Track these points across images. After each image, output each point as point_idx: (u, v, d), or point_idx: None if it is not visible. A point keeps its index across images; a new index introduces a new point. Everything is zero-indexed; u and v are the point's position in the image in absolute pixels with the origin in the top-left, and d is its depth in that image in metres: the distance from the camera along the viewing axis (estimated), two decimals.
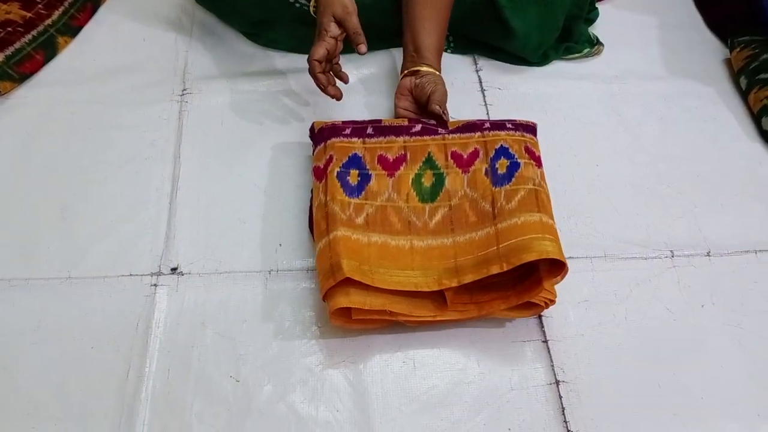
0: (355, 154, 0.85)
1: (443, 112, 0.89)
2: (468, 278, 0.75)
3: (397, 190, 0.83)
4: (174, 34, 1.13)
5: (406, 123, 0.88)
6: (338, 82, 0.92)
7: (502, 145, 0.84)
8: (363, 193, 0.82)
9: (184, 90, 1.04)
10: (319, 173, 0.84)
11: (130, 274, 0.83)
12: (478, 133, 0.86)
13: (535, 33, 1.07)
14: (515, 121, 0.88)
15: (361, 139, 0.86)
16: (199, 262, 0.85)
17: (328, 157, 0.84)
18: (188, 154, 0.96)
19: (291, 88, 1.05)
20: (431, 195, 0.83)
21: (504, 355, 0.78)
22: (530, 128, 0.88)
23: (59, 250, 0.85)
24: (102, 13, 1.16)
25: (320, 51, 0.86)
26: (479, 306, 0.77)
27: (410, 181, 0.84)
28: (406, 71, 0.94)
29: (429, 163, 0.85)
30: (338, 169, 0.83)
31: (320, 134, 0.87)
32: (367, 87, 1.06)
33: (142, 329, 0.79)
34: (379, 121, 0.89)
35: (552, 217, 0.78)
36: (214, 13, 1.13)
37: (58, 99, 1.02)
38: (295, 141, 0.98)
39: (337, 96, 0.91)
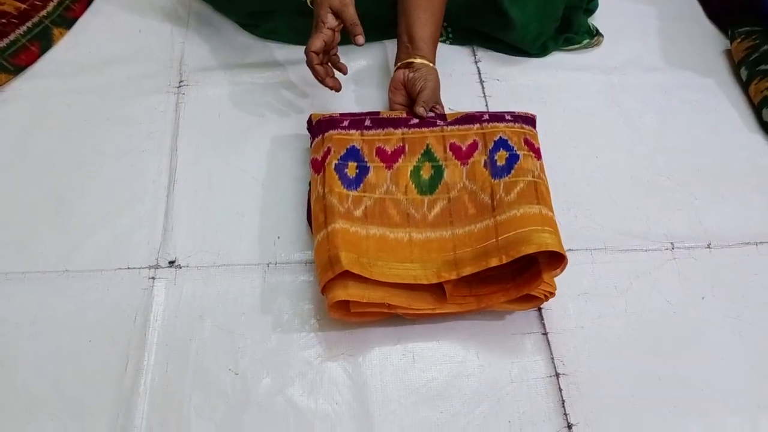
0: (353, 146, 0.84)
1: (433, 107, 0.88)
2: (467, 271, 0.74)
3: (395, 183, 0.82)
4: (170, 26, 1.12)
5: (404, 115, 0.88)
6: (337, 74, 0.92)
7: (501, 137, 0.84)
8: (361, 185, 0.81)
9: (181, 82, 1.03)
10: (317, 165, 0.83)
11: (128, 267, 0.83)
12: (477, 125, 0.85)
13: (534, 24, 1.06)
14: (514, 112, 0.87)
15: (359, 131, 0.85)
16: (196, 255, 0.84)
17: (326, 149, 0.83)
18: (185, 147, 0.95)
19: (289, 80, 1.04)
20: (430, 187, 0.83)
21: (504, 348, 0.78)
22: (529, 120, 0.87)
23: (56, 244, 0.84)
24: (97, 4, 1.15)
25: (317, 43, 0.85)
26: (478, 299, 0.77)
27: (409, 173, 0.83)
28: (399, 63, 0.93)
29: (427, 155, 0.84)
30: (336, 162, 0.82)
31: (318, 126, 0.86)
32: (361, 80, 1.05)
33: (140, 323, 0.78)
34: (378, 113, 0.89)
35: (551, 209, 0.78)
36: (210, 3, 1.12)
37: (53, 91, 1.01)
38: (293, 133, 0.97)
39: (336, 87, 0.91)
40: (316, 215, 0.80)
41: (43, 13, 1.09)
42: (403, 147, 0.85)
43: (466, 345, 0.78)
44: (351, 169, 0.82)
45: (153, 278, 0.82)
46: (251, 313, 0.80)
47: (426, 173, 0.83)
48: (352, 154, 0.84)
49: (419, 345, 0.78)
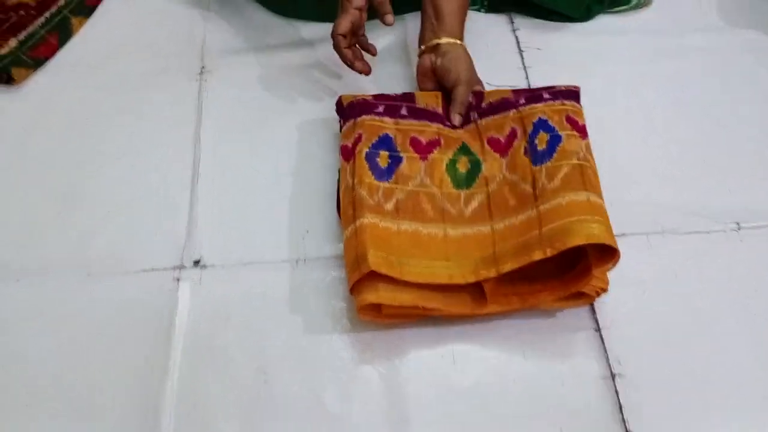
0: (386, 134, 0.78)
1: (476, 91, 0.82)
2: (508, 266, 0.68)
3: (429, 175, 0.76)
4: (190, 9, 1.07)
5: (440, 106, 0.82)
6: (365, 56, 0.86)
7: (540, 118, 0.77)
8: (393, 176, 0.76)
9: (203, 68, 0.98)
10: (347, 153, 0.78)
11: (152, 269, 0.79)
12: (513, 111, 0.79)
13: None
14: (554, 88, 0.80)
15: (393, 120, 0.80)
16: (222, 254, 0.80)
17: (357, 135, 0.78)
18: (209, 137, 0.90)
19: (317, 60, 0.98)
20: (467, 181, 0.77)
21: (553, 347, 0.72)
22: (572, 94, 0.80)
23: (77, 245, 0.81)
24: None
25: (344, 24, 0.80)
26: (522, 298, 0.70)
27: (444, 166, 0.77)
28: (424, 46, 0.85)
29: (464, 150, 0.79)
30: (367, 150, 0.76)
31: (350, 110, 0.81)
32: (380, 57, 0.94)
33: (165, 326, 0.74)
34: (413, 97, 0.82)
35: (601, 195, 0.71)
36: None
37: (72, 83, 0.97)
38: (323, 118, 0.91)
39: (365, 71, 0.85)
40: (345, 208, 0.75)
41: (61, 2, 1.05)
42: (439, 140, 0.79)
43: (511, 344, 0.72)
44: (383, 159, 0.76)
45: (178, 279, 0.78)
46: (280, 314, 0.75)
47: (463, 167, 0.78)
48: (385, 142, 0.78)
49: (459, 346, 0.72)
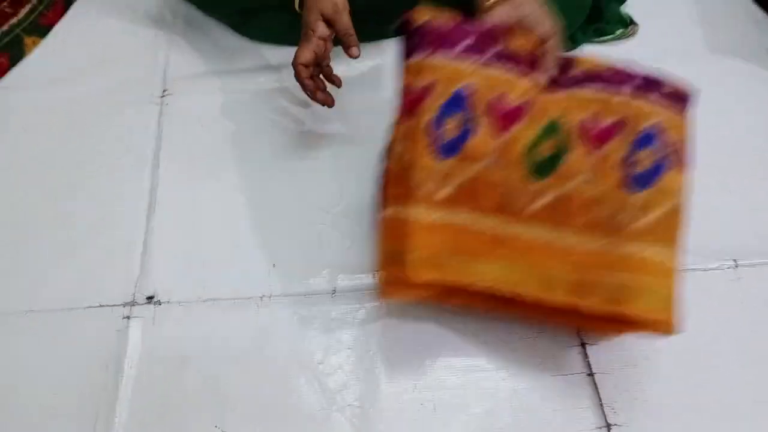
0: (463, 89, 0.62)
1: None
2: (559, 296, 0.60)
3: (503, 156, 0.63)
4: (154, 30, 1.01)
5: (536, 52, 0.67)
6: (329, 87, 0.80)
7: (650, 129, 0.63)
8: (459, 152, 0.62)
9: (165, 91, 0.92)
10: (411, 104, 0.63)
11: (100, 305, 0.72)
12: (619, 95, 0.64)
13: (559, 14, 0.93)
14: (664, 85, 0.65)
15: (479, 62, 0.63)
16: (179, 289, 0.73)
17: (427, 83, 0.63)
18: (168, 164, 0.84)
19: (285, 86, 0.93)
20: (542, 169, 0.63)
21: (542, 393, 0.66)
22: (682, 99, 0.66)
23: (18, 280, 0.74)
24: (75, 8, 1.04)
25: (307, 54, 0.75)
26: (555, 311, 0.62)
27: (524, 148, 0.63)
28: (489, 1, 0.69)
29: (552, 130, 0.64)
30: (435, 114, 0.62)
31: (424, 37, 0.64)
32: (366, 82, 0.91)
33: (112, 371, 0.67)
34: (493, 33, 0.66)
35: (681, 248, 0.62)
36: (194, 3, 1.00)
37: (22, 106, 0.91)
38: (290, 146, 0.86)
39: (328, 103, 0.79)
40: (395, 176, 0.64)
41: (14, 20, 0.99)
42: (525, 107, 0.64)
43: (497, 390, 0.66)
44: (451, 127, 0.62)
45: (128, 317, 0.71)
46: (242, 357, 0.68)
47: (546, 151, 0.63)
48: (459, 103, 0.62)
49: (441, 392, 0.66)
